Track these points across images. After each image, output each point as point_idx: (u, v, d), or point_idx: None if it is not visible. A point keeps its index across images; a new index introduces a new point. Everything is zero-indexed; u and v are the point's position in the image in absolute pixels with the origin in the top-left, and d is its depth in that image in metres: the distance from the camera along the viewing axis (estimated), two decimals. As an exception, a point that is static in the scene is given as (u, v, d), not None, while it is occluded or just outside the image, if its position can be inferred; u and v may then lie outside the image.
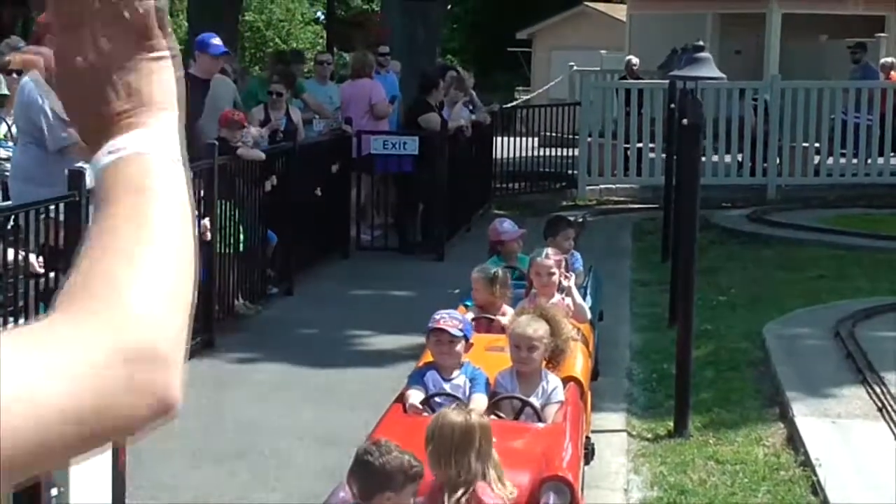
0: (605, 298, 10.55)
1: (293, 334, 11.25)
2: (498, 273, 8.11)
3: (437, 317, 6.45)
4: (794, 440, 8.33)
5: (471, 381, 6.30)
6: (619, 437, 8.36)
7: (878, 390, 9.35)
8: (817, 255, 15.74)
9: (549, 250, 8.49)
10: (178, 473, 7.40)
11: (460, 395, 6.19)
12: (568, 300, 8.11)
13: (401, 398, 6.34)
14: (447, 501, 4.96)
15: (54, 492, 3.77)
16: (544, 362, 6.56)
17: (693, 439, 8.35)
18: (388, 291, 13.37)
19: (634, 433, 8.50)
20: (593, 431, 7.79)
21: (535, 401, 6.24)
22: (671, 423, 8.50)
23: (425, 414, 6.06)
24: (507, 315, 7.77)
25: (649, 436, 8.45)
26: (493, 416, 5.94)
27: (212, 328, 10.70)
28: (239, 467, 7.61)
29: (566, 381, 6.66)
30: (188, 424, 8.49)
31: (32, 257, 7.93)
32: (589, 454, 6.97)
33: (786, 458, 8.01)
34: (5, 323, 7.30)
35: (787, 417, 8.79)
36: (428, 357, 6.62)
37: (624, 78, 24.22)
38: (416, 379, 6.39)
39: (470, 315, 7.64)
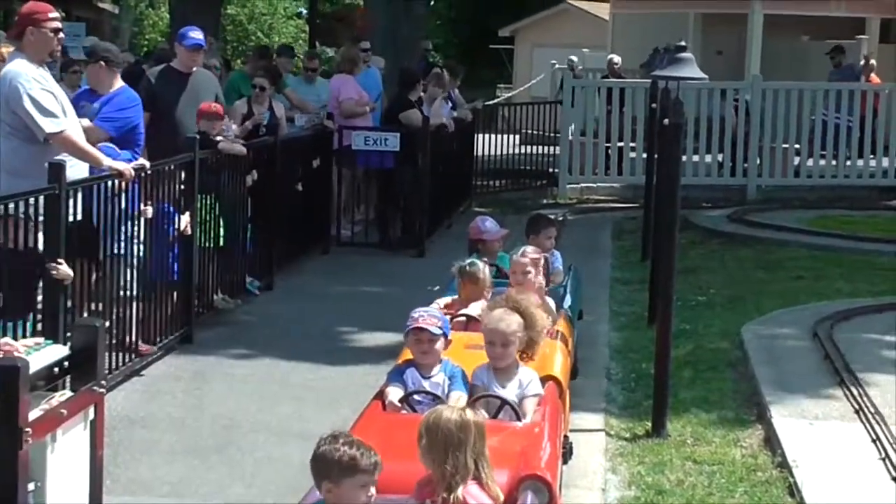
0: (584, 297, 10.55)
1: (273, 330, 11.22)
2: (465, 267, 8.08)
3: (416, 315, 6.40)
4: (771, 441, 8.34)
5: (450, 378, 6.28)
6: (596, 436, 8.35)
7: (855, 392, 9.38)
8: (797, 255, 15.80)
9: (528, 248, 8.44)
10: (155, 469, 7.38)
11: (439, 393, 6.18)
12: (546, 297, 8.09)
13: (380, 395, 6.32)
14: (438, 497, 4.94)
15: (31, 486, 3.75)
16: (518, 354, 6.53)
17: (671, 439, 8.35)
18: (369, 287, 13.35)
19: (612, 433, 8.50)
20: (571, 430, 7.79)
21: (512, 393, 6.21)
22: (649, 423, 8.50)
23: (404, 412, 6.09)
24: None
25: (627, 435, 8.45)
26: None
27: (191, 323, 10.67)
28: (216, 462, 7.58)
29: (545, 380, 6.59)
30: (166, 419, 8.50)
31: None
32: (567, 453, 6.94)
33: (763, 459, 8.02)
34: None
35: (764, 418, 8.80)
36: (407, 355, 6.57)
37: (606, 77, 24.25)
38: (396, 377, 6.34)
39: (444, 300, 7.83)
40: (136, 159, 9.79)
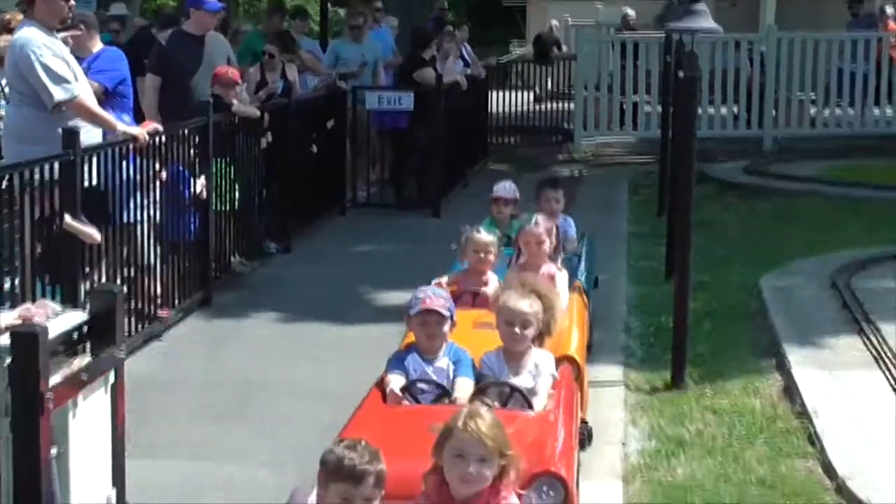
0: (601, 252, 10.55)
1: (290, 291, 11.25)
2: (470, 236, 7.61)
3: (422, 295, 5.87)
4: (790, 391, 8.34)
5: (455, 363, 5.78)
6: (616, 389, 8.37)
7: (874, 340, 9.38)
8: (814, 206, 15.73)
9: (540, 217, 8.04)
10: (176, 431, 7.43)
11: (444, 380, 5.73)
12: (554, 269, 7.71)
13: (380, 383, 5.80)
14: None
15: (54, 451, 3.78)
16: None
17: (690, 391, 8.37)
18: (385, 247, 13.37)
19: (632, 386, 8.51)
20: (591, 384, 7.76)
21: (527, 380, 5.74)
22: (668, 376, 8.52)
23: (406, 402, 5.64)
24: (489, 285, 7.38)
25: (647, 388, 8.46)
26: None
27: (209, 286, 10.72)
28: (237, 423, 7.63)
29: (560, 360, 6.20)
30: (186, 382, 8.54)
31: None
32: (585, 439, 6.62)
33: (783, 409, 8.03)
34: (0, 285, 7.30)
35: (783, 368, 8.81)
36: (410, 337, 6.06)
37: (620, 31, 24.17)
38: (397, 364, 5.82)
39: (444, 279, 7.47)
40: (127, 114, 9.85)
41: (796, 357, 8.93)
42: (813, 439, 7.39)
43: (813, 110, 21.82)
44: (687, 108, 9.55)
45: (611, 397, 8.16)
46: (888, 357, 8.95)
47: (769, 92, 21.37)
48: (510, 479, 4.31)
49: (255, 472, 6.65)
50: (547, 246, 7.71)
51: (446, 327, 5.79)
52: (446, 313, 5.78)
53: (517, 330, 5.75)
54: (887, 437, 7.41)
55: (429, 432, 4.50)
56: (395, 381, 5.67)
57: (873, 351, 9.18)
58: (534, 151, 21.34)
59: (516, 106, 23.34)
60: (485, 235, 7.54)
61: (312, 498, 4.36)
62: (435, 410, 5.35)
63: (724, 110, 21.54)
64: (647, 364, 8.98)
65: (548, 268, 7.60)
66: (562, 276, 7.64)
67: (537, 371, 5.75)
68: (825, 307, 10.56)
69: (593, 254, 9.71)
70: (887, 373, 8.66)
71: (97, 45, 10.39)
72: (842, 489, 6.61)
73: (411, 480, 4.44)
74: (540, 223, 7.79)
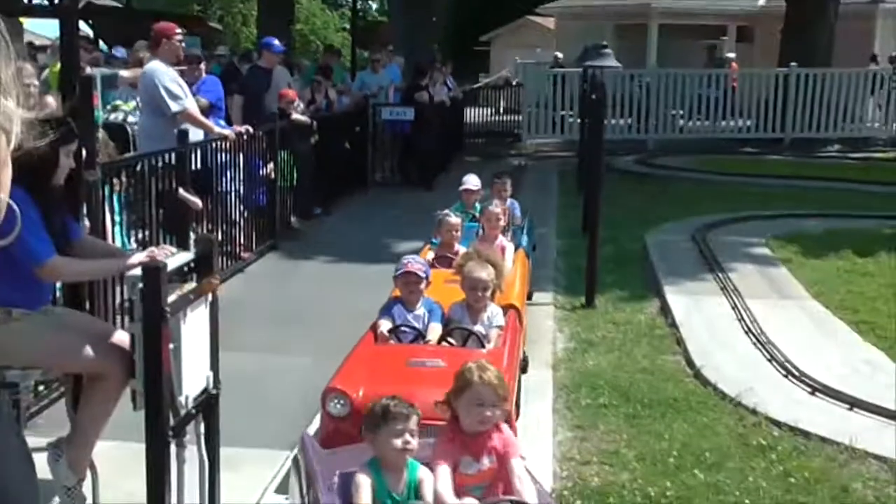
0: (539, 216, 10.51)
1: (331, 241, 11.21)
2: (443, 217, 7.17)
3: (406, 261, 5.56)
4: (665, 310, 8.38)
5: (429, 312, 5.44)
6: (548, 308, 8.38)
7: (720, 276, 9.42)
8: (682, 186, 15.76)
9: (496, 201, 7.79)
10: (255, 335, 7.43)
11: (420, 325, 5.37)
12: (506, 242, 7.32)
13: (373, 327, 5.40)
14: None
15: (171, 346, 3.71)
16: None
17: (598, 309, 8.39)
18: (396, 212, 13.30)
19: (559, 305, 8.52)
20: (531, 305, 7.77)
21: (481, 328, 5.35)
22: (583, 299, 8.54)
23: (392, 342, 5.24)
24: (459, 253, 6.81)
25: (569, 307, 8.48)
26: (445, 343, 5.20)
27: (276, 237, 10.67)
28: (295, 330, 7.62)
29: (507, 307, 5.80)
30: (261, 302, 8.53)
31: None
32: (525, 365, 6.17)
33: (660, 322, 8.06)
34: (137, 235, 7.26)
35: (660, 294, 8.84)
36: (396, 292, 5.64)
37: (552, 67, 24.08)
38: (386, 312, 5.46)
39: (430, 255, 6.98)
40: (223, 120, 9.79)
41: (669, 287, 8.97)
42: (679, 342, 7.43)
43: (681, 122, 21.87)
44: (597, 120, 9.51)
45: (544, 313, 8.17)
46: (730, 287, 8.99)
47: (652, 109, 21.41)
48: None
49: (307, 362, 6.65)
50: (502, 222, 7.38)
51: (423, 285, 5.44)
52: (422, 275, 5.43)
53: (479, 293, 5.39)
54: (728, 341, 7.45)
55: (406, 366, 4.54)
56: (384, 326, 5.33)
57: (720, 283, 9.21)
58: (494, 148, 21.26)
59: (483, 117, 23.28)
60: (453, 219, 7.12)
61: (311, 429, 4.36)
62: (413, 349, 5.08)
63: (622, 121, 21.53)
64: (570, 291, 8.99)
65: (501, 240, 7.28)
66: (510, 247, 7.33)
67: (489, 322, 5.38)
68: (688, 254, 10.59)
69: (533, 227, 9.30)
70: (728, 298, 8.69)
71: (202, 74, 10.33)
72: (698, 375, 6.64)
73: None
74: (498, 205, 7.51)
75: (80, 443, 4.07)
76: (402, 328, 5.32)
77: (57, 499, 4.00)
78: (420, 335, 5.28)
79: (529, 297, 7.78)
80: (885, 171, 17.72)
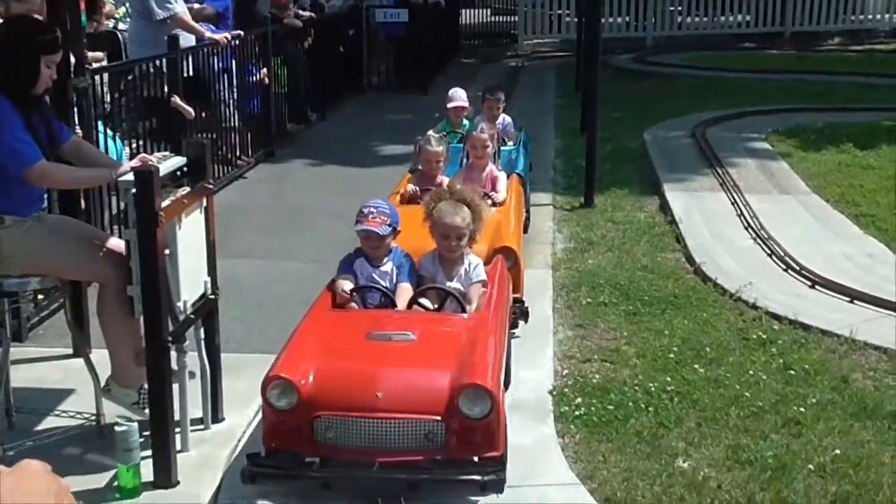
0: (536, 117, 10.41)
1: (327, 145, 11.11)
2: (422, 146, 6.31)
3: (366, 212, 4.43)
4: (664, 207, 8.33)
5: (398, 267, 4.43)
6: (547, 209, 8.32)
7: (719, 171, 9.36)
8: (681, 83, 15.59)
9: (484, 124, 6.72)
10: (252, 240, 7.39)
11: (387, 283, 4.38)
12: (497, 171, 6.42)
13: (331, 286, 4.41)
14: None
15: (167, 252, 3.67)
16: None
17: (597, 209, 8.34)
18: (391, 116, 13.19)
19: (558, 206, 8.47)
20: (533, 206, 7.70)
21: (458, 284, 4.43)
22: (582, 199, 8.48)
23: (353, 304, 4.29)
24: (443, 184, 5.57)
25: (568, 207, 8.43)
26: (416, 306, 4.27)
27: (272, 142, 10.56)
28: (292, 235, 7.58)
29: (498, 251, 5.05)
30: (258, 207, 8.48)
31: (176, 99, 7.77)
32: (523, 316, 5.28)
33: (659, 219, 8.02)
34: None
35: (659, 191, 8.78)
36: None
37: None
38: (346, 268, 4.43)
39: (410, 187, 6.12)
40: (228, 30, 9.59)
41: (668, 184, 8.91)
42: (679, 239, 7.40)
43: (679, 18, 21.54)
44: (594, 18, 9.31)
45: (544, 214, 8.12)
46: (729, 183, 8.93)
47: (650, 6, 21.08)
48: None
49: (305, 266, 6.63)
50: (490, 149, 6.42)
51: (388, 241, 4.41)
52: (384, 231, 4.36)
53: (452, 243, 4.44)
54: (727, 237, 7.43)
55: (366, 340, 3.76)
56: (345, 285, 4.33)
57: (718, 179, 9.16)
58: (491, 50, 21.00)
59: (479, 18, 22.91)
60: (435, 147, 6.18)
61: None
62: (376, 317, 4.12)
63: (619, 19, 21.19)
64: (569, 191, 8.94)
65: (491, 168, 6.40)
66: (502, 176, 6.39)
67: (467, 278, 4.44)
68: (687, 150, 10.51)
69: (528, 144, 8.37)
70: (727, 194, 8.64)
71: None
72: (698, 271, 6.63)
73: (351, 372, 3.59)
74: (484, 130, 6.49)
75: (113, 361, 4.09)
76: (367, 288, 4.37)
77: (132, 415, 4.01)
78: (388, 295, 4.33)
79: (526, 229, 6.99)
80: (887, 63, 17.51)
